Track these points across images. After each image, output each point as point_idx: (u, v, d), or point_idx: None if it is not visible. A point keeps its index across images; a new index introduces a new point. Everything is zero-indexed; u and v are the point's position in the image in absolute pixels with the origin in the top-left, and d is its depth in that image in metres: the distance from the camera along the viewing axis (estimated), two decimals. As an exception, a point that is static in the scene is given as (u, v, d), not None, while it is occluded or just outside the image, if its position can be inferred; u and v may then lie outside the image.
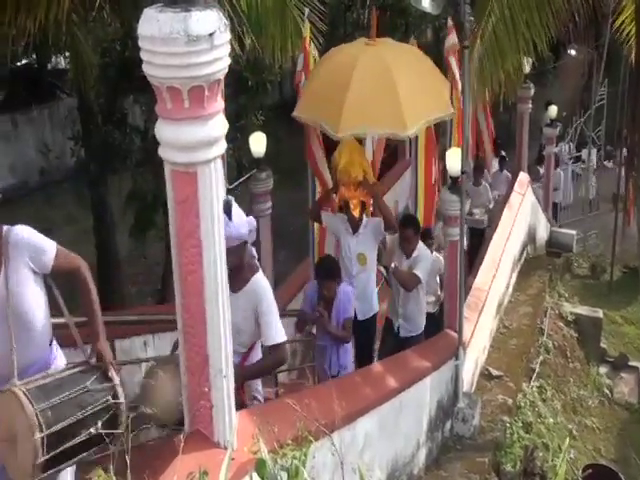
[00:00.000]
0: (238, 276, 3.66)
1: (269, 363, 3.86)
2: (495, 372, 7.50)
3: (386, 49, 6.09)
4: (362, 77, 5.60)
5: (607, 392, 9.24)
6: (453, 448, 6.20)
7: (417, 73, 6.01)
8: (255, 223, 3.85)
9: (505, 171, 11.92)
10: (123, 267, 10.66)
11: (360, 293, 5.90)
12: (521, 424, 6.60)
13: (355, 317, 5.69)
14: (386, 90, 5.60)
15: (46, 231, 3.17)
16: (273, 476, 2.24)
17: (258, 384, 4.03)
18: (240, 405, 3.41)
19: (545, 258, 11.44)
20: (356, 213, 5.91)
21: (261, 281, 3.82)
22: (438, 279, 7.10)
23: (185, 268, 2.75)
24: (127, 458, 2.21)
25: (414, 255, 6.10)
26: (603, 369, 9.77)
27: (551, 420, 7.19)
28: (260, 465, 2.24)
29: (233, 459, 2.38)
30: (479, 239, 9.64)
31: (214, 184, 2.67)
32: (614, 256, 12.00)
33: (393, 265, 5.94)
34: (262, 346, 3.91)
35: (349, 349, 5.52)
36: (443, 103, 6.08)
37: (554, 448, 6.57)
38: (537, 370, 7.95)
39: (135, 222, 9.66)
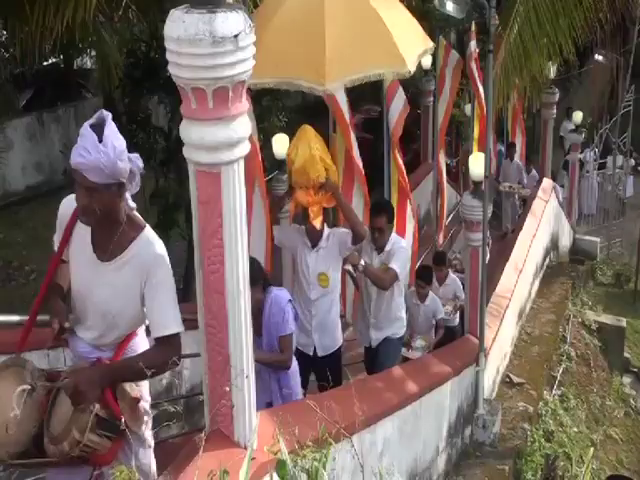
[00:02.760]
0: (112, 235, 2.69)
1: (156, 359, 2.68)
2: (516, 379, 7.43)
3: None
4: (338, 16, 4.60)
5: (632, 402, 9.12)
6: (473, 455, 6.14)
7: (397, 10, 5.22)
8: (141, 164, 2.79)
9: (516, 160, 11.42)
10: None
11: (320, 323, 4.91)
12: (542, 432, 6.53)
13: (314, 354, 4.92)
14: (373, 25, 4.69)
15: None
16: (293, 477, 2.23)
17: (141, 386, 2.89)
18: (111, 417, 2.63)
19: (568, 265, 11.32)
20: (317, 223, 4.76)
21: (152, 241, 2.73)
22: (434, 321, 6.46)
23: (207, 268, 2.74)
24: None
25: (387, 249, 5.21)
26: (627, 379, 9.65)
27: (574, 429, 7.10)
28: (280, 466, 2.24)
29: (254, 459, 2.38)
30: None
31: (237, 185, 2.67)
32: (639, 265, 11.84)
33: (362, 262, 4.90)
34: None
35: (294, 372, 4.44)
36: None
37: (576, 458, 6.49)
38: (559, 378, 7.87)
39: (158, 221, 9.72)
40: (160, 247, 2.74)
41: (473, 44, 9.94)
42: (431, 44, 5.21)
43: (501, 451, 6.20)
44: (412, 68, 4.73)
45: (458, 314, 7.01)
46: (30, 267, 10.96)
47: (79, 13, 5.84)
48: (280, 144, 6.50)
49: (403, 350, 5.99)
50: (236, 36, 2.43)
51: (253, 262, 4.08)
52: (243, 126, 2.61)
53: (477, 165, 6.14)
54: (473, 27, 9.91)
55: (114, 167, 2.58)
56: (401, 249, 5.24)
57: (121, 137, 2.69)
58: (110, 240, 2.71)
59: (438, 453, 5.65)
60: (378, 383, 4.97)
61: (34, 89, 14.47)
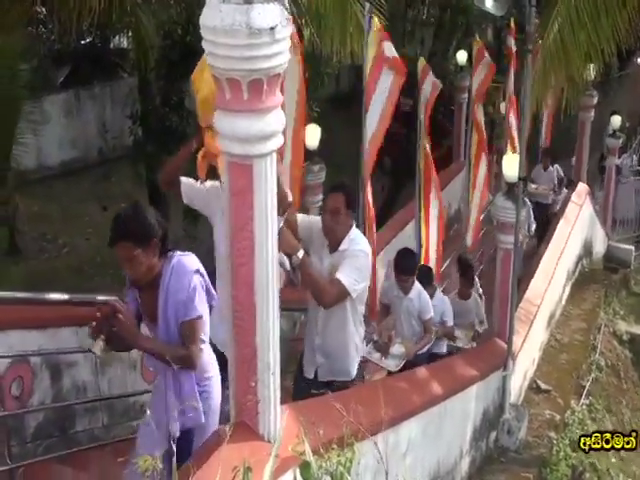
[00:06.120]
0: None
1: None
2: (544, 386, 7.29)
3: None
4: None
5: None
6: (497, 460, 6.03)
7: None
8: None
9: (551, 169, 10.24)
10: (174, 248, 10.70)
11: None
12: (568, 442, 6.38)
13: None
14: None
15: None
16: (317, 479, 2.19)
17: None
18: None
19: (601, 273, 11.02)
20: None
21: None
22: (420, 324, 5.38)
23: (237, 260, 2.72)
24: (172, 444, 2.19)
25: (342, 248, 3.86)
26: (658, 393, 9.40)
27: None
28: (304, 467, 2.19)
29: (277, 456, 2.34)
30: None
31: (270, 178, 2.64)
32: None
33: (300, 254, 3.60)
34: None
35: (213, 384, 3.20)
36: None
37: (602, 470, 6.34)
38: (587, 388, 7.69)
39: (187, 207, 9.73)
40: None
41: (511, 41, 9.78)
42: None
43: (526, 458, 6.09)
44: None
45: (444, 341, 5.98)
46: (63, 241, 11.03)
47: (117, -7, 5.84)
48: (311, 135, 6.44)
49: (376, 357, 5.15)
50: (272, 28, 2.39)
51: (146, 215, 3.01)
52: (277, 119, 2.58)
53: (511, 167, 6.04)
54: (512, 24, 9.76)
55: None
56: (358, 253, 3.82)
57: None
58: None
59: (462, 456, 5.57)
60: (403, 383, 4.90)
61: (71, 66, 14.57)
